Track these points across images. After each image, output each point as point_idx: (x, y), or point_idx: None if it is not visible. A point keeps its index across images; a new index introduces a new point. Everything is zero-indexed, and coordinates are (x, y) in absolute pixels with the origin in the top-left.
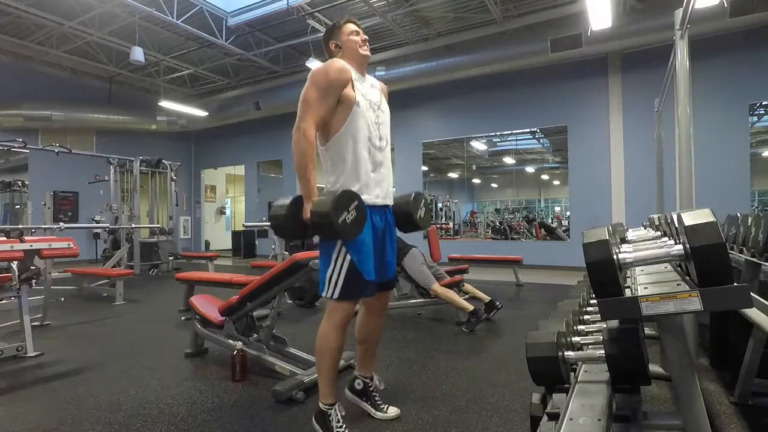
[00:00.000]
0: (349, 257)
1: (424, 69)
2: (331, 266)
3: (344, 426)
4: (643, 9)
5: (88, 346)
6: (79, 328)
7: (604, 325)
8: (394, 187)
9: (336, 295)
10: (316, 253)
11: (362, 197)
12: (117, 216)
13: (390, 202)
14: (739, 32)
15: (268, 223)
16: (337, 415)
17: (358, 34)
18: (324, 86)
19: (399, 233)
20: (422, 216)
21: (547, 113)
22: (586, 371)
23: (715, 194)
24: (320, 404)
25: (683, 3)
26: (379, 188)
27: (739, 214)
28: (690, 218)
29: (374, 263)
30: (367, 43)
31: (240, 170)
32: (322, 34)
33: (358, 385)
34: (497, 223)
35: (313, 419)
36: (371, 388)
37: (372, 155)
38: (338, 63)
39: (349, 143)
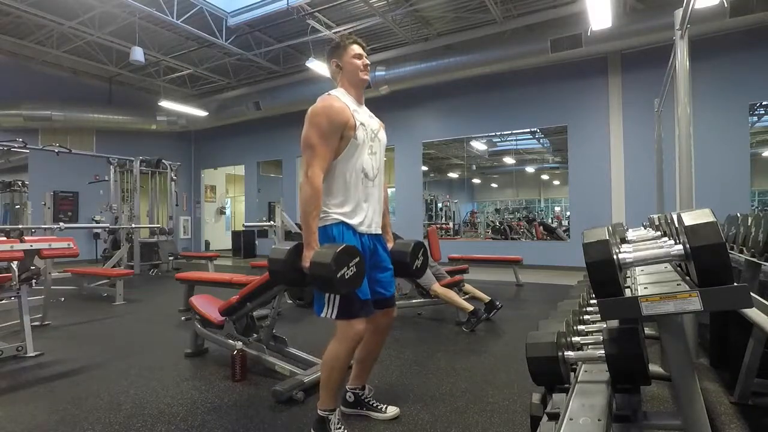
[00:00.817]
0: None
1: (424, 69)
2: None
3: (342, 427)
4: (643, 9)
5: (88, 346)
6: (79, 328)
7: (604, 325)
8: (393, 186)
9: (334, 315)
10: None
11: (352, 224)
12: (117, 216)
13: (379, 231)
14: (739, 32)
15: (269, 223)
16: (335, 417)
17: (360, 57)
18: (326, 129)
19: (399, 233)
20: (418, 266)
21: (547, 113)
22: (586, 371)
23: (715, 194)
24: (320, 411)
25: (683, 3)
26: (369, 219)
27: (739, 214)
28: (690, 218)
29: (366, 283)
30: (368, 68)
31: (240, 170)
32: (322, 34)
33: (350, 398)
34: (497, 223)
35: (312, 429)
36: (362, 396)
37: (364, 185)
38: (336, 103)
39: (342, 173)
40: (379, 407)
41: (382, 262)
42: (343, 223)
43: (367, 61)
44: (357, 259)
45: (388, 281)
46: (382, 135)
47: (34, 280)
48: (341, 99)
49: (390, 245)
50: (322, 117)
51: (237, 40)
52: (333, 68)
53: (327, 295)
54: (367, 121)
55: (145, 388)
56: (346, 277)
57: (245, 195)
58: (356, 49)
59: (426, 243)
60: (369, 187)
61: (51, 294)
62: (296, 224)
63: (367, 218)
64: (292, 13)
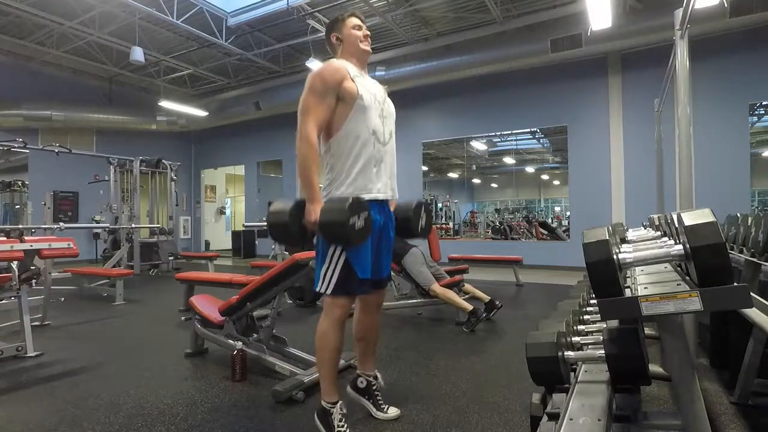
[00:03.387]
0: (344, 255)
1: (424, 69)
2: (327, 262)
3: (345, 425)
4: (643, 9)
5: (88, 346)
6: (79, 328)
7: (604, 325)
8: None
9: (329, 290)
10: None
11: (363, 194)
12: (117, 216)
13: (393, 196)
14: (739, 32)
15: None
16: (338, 413)
17: (360, 28)
18: (320, 88)
19: None
20: (423, 226)
21: (547, 113)
22: (586, 371)
23: (715, 194)
24: (323, 402)
25: (683, 3)
26: (380, 183)
27: (739, 214)
28: (690, 218)
29: (370, 262)
30: (369, 39)
31: (240, 170)
32: (322, 34)
33: (361, 383)
34: (497, 223)
35: (315, 416)
36: (374, 387)
37: (376, 149)
38: (333, 63)
39: (353, 138)
40: (382, 405)
41: (389, 242)
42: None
43: (367, 32)
44: (366, 213)
45: (388, 263)
46: (390, 103)
47: (34, 280)
48: (339, 62)
49: (392, 204)
50: (316, 77)
51: (237, 40)
52: (333, 42)
53: (325, 268)
54: (372, 88)
55: (145, 388)
56: (356, 227)
57: (245, 195)
58: (355, 20)
59: (426, 243)
60: (381, 151)
61: (51, 294)
62: None
63: (380, 182)
64: (292, 13)
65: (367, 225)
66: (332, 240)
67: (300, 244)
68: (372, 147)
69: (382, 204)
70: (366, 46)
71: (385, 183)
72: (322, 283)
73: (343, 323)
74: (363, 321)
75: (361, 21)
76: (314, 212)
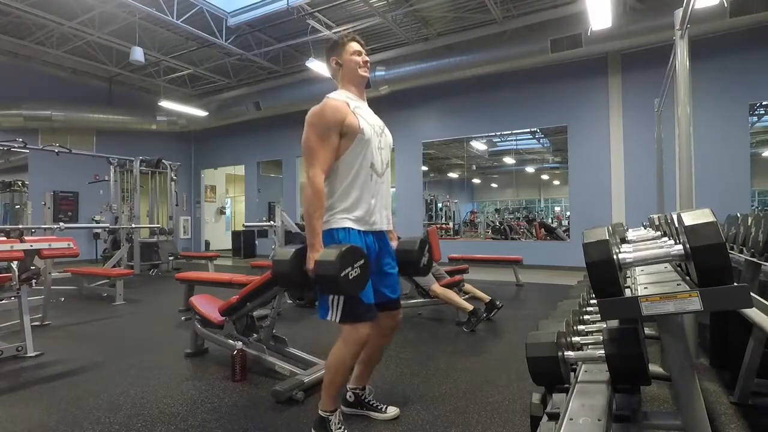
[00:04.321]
0: None
1: (424, 69)
2: None
3: (343, 427)
4: (643, 9)
5: (88, 346)
6: (79, 328)
7: (604, 325)
8: (394, 186)
9: (338, 319)
10: None
11: (357, 225)
12: (117, 216)
13: (388, 227)
14: (739, 32)
15: (269, 223)
16: (336, 418)
17: (360, 54)
18: (322, 129)
19: (399, 233)
20: (425, 264)
21: (547, 113)
22: (586, 371)
23: (715, 194)
24: (320, 412)
25: (683, 3)
26: (377, 214)
27: (739, 214)
28: (690, 218)
29: (370, 286)
30: (368, 65)
31: (240, 170)
32: (322, 34)
33: (350, 398)
34: (497, 223)
35: (312, 429)
36: (363, 397)
37: (374, 180)
38: (332, 102)
39: (351, 169)
40: (379, 407)
41: (388, 264)
42: (348, 227)
43: (366, 58)
44: (362, 261)
45: (394, 283)
46: (387, 133)
47: (34, 280)
48: (338, 97)
49: (394, 244)
50: (317, 117)
51: (237, 40)
52: (333, 66)
53: (331, 298)
54: (370, 118)
55: (145, 388)
56: (350, 277)
57: (245, 195)
58: (355, 46)
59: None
60: (378, 183)
61: (51, 294)
62: (296, 224)
63: (377, 213)
64: (292, 13)
65: (364, 272)
66: (325, 291)
67: (303, 288)
68: (370, 179)
69: (378, 234)
70: (364, 73)
71: (382, 214)
72: (332, 312)
73: (361, 351)
74: (374, 345)
75: (362, 46)
76: (312, 261)
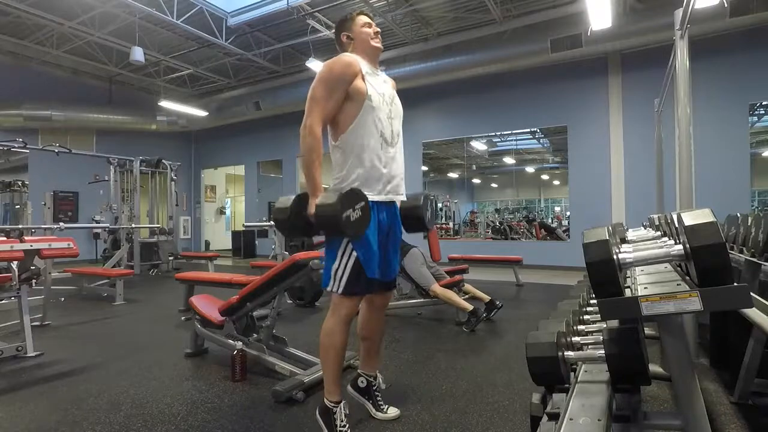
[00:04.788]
0: (354, 254)
1: (424, 69)
2: (337, 261)
3: (347, 426)
4: (643, 9)
5: (88, 346)
6: (79, 328)
7: (604, 325)
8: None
9: (340, 290)
10: (316, 253)
11: (370, 194)
12: (117, 216)
13: (400, 197)
14: (739, 32)
15: (269, 223)
16: (341, 413)
17: (370, 26)
18: (330, 82)
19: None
20: (429, 218)
21: (547, 113)
22: (586, 371)
23: (715, 194)
24: (325, 400)
25: (683, 3)
26: (390, 184)
27: (739, 214)
28: (690, 218)
29: (378, 261)
30: (379, 36)
31: (240, 170)
32: (322, 34)
33: (362, 382)
34: (497, 223)
35: (317, 413)
36: (374, 387)
37: (384, 150)
38: (345, 57)
39: (361, 138)
40: (381, 406)
41: (396, 242)
42: None
43: (377, 29)
44: (362, 203)
45: (396, 264)
46: (398, 103)
47: (34, 280)
48: (352, 57)
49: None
50: (327, 70)
51: (237, 40)
52: (344, 41)
53: (335, 267)
54: (381, 87)
55: (145, 388)
56: (352, 219)
57: (245, 195)
58: (364, 18)
59: (426, 243)
60: (389, 153)
61: (51, 294)
62: None
63: (389, 183)
64: (292, 13)
65: (365, 215)
66: (328, 234)
67: (303, 236)
68: (380, 148)
69: (389, 205)
70: (377, 43)
71: (394, 184)
72: (333, 283)
73: (350, 322)
74: (369, 320)
75: (370, 18)
76: (313, 206)
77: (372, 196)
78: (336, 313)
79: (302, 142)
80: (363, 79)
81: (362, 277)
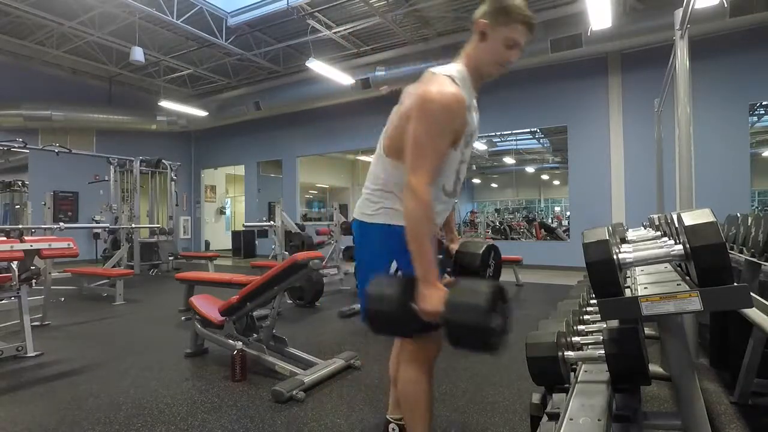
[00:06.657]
0: None
1: (424, 69)
2: None
3: None
4: (643, 9)
5: (88, 346)
6: (79, 328)
7: (604, 325)
8: None
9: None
10: (316, 253)
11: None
12: (117, 216)
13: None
14: (739, 32)
15: (268, 224)
16: None
17: (515, 47)
18: (443, 124)
19: None
20: (490, 275)
21: (547, 113)
22: (586, 371)
23: (715, 194)
24: None
25: (683, 3)
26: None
27: (739, 214)
28: (690, 218)
29: None
30: (510, 64)
31: (240, 170)
32: (322, 34)
33: (393, 429)
34: (497, 223)
35: None
36: None
37: (442, 201)
38: (460, 93)
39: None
40: None
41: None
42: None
43: (519, 54)
44: (507, 305)
45: None
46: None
47: (34, 280)
48: (461, 87)
49: (454, 246)
50: (440, 107)
51: (237, 40)
52: (480, 29)
53: None
54: (474, 121)
55: (145, 388)
56: (499, 330)
57: (245, 195)
58: (520, 32)
59: None
60: (444, 203)
61: (51, 294)
62: (296, 224)
63: (439, 220)
64: (292, 13)
65: (507, 320)
66: (464, 346)
67: (403, 335)
68: (443, 195)
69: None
70: (498, 71)
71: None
72: None
73: (433, 368)
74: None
75: (529, 33)
76: (431, 300)
77: None
78: (416, 359)
79: (407, 208)
80: (468, 119)
81: None
